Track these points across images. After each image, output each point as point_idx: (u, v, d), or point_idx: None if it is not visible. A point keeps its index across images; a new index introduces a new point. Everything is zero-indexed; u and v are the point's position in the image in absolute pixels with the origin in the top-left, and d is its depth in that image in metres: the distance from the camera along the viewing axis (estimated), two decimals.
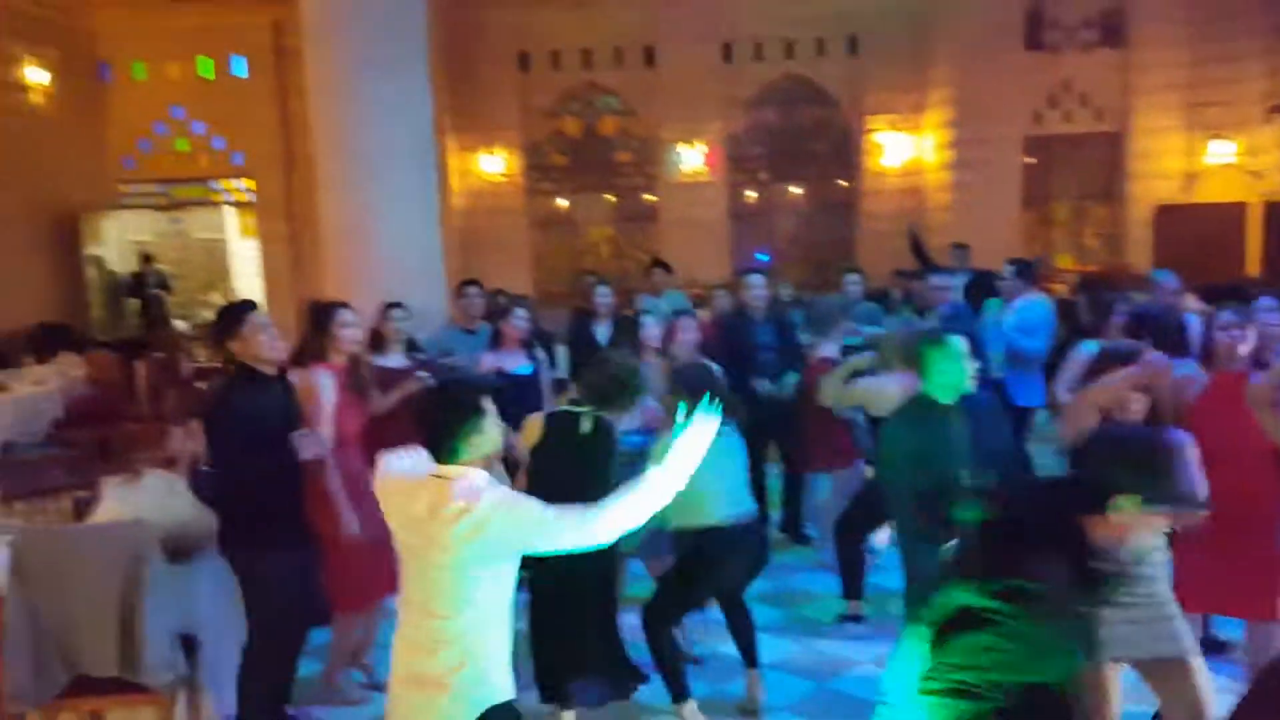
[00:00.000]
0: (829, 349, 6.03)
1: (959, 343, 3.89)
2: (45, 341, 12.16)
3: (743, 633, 4.47)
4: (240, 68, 15.35)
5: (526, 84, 16.01)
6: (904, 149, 15.98)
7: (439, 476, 2.73)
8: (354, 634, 4.65)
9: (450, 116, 15.24)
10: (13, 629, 3.63)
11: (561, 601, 3.93)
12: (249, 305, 4.10)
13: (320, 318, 4.50)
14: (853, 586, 5.32)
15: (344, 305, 4.61)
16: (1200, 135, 14.89)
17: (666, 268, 8.45)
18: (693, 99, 15.72)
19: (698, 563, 4.22)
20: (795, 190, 16.86)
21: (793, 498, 6.71)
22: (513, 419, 5.50)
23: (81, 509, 4.85)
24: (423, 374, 5.33)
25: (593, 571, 3.90)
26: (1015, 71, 14.68)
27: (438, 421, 2.74)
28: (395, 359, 5.45)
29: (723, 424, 4.24)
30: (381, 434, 4.80)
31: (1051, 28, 14.97)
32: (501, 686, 2.77)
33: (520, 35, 15.79)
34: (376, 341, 5.46)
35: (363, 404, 4.62)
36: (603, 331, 6.88)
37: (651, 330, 5.94)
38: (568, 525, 2.62)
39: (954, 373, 3.87)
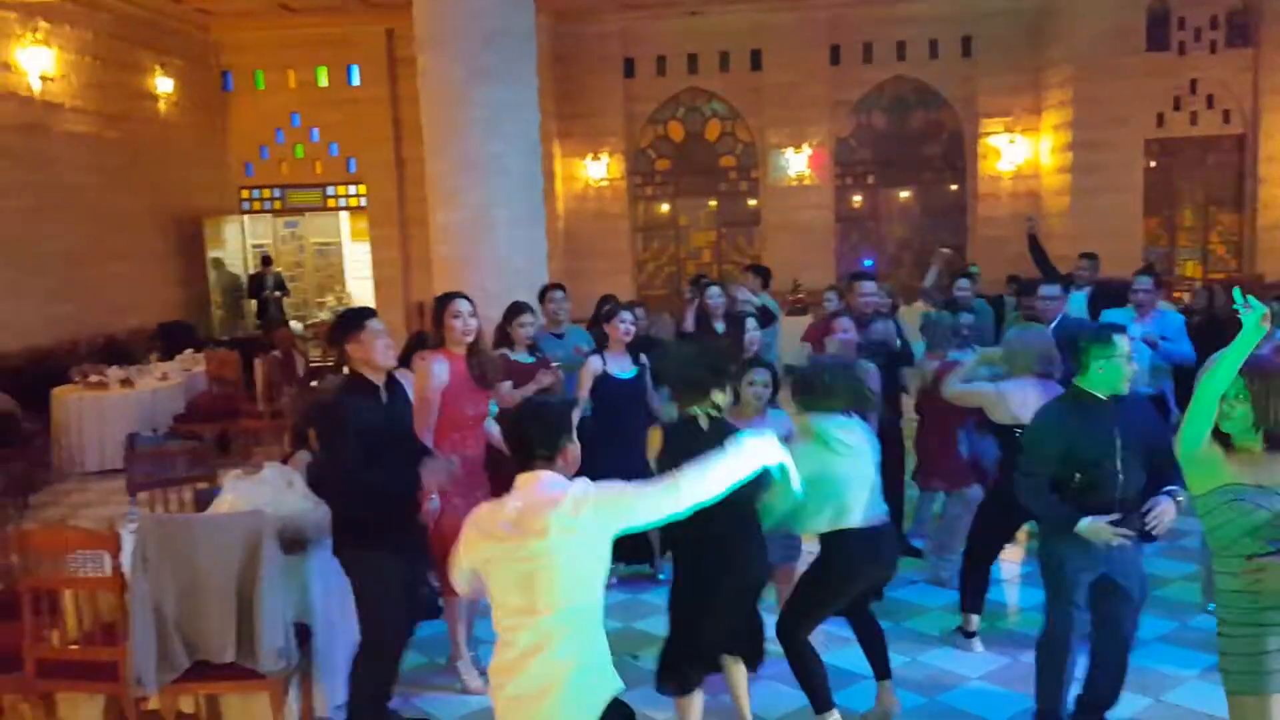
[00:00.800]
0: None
1: (1122, 341, 3.78)
2: (169, 340, 12.73)
3: (874, 642, 4.35)
4: (354, 76, 15.80)
5: (631, 89, 16.09)
6: (1019, 152, 15.55)
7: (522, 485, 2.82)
8: (463, 618, 4.75)
9: (556, 123, 15.42)
10: (136, 614, 3.76)
11: (720, 575, 3.86)
12: (368, 312, 4.24)
13: (437, 308, 4.65)
14: (974, 600, 5.16)
15: (460, 295, 4.72)
16: None
17: (762, 272, 8.30)
18: (799, 102, 15.59)
19: (835, 567, 4.12)
20: (904, 194, 16.55)
21: (895, 507, 6.54)
22: (618, 422, 5.58)
23: (202, 500, 5.02)
24: (553, 367, 5.51)
25: (746, 549, 3.88)
26: (1137, 73, 14.13)
27: (527, 432, 2.83)
28: (521, 357, 5.65)
29: (861, 422, 4.21)
30: None
31: (1176, 28, 14.35)
32: (614, 679, 2.79)
33: (626, 42, 15.88)
34: (503, 341, 5.65)
35: (482, 392, 4.70)
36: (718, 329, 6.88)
37: (753, 334, 5.87)
38: (650, 497, 2.67)
39: (1112, 370, 3.76)
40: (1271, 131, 14.35)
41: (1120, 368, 3.77)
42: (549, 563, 2.65)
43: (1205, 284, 12.48)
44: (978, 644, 5.10)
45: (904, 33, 15.56)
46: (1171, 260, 15.23)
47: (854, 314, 6.47)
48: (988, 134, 15.63)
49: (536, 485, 2.76)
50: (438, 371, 4.54)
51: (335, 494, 4.14)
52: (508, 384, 5.18)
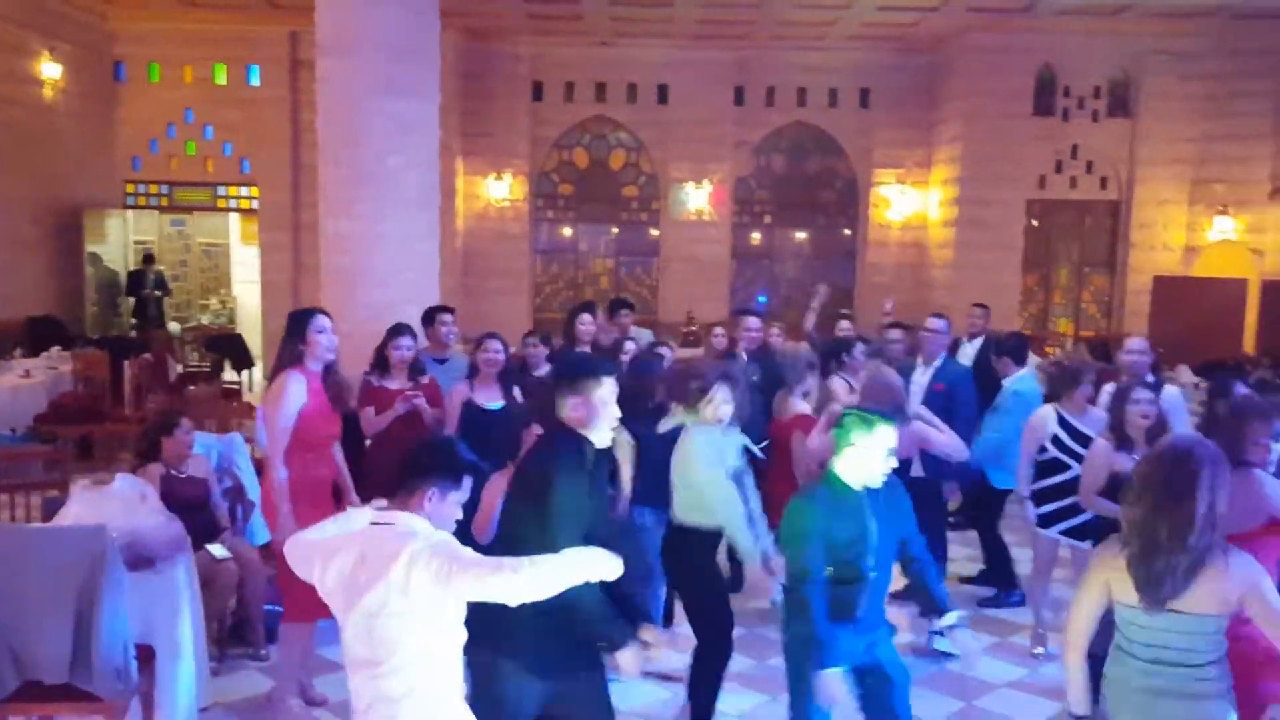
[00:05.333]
0: (801, 405, 5.81)
1: (881, 429, 3.40)
2: (36, 335, 12.14)
3: None
4: (254, 76, 15.43)
5: (538, 113, 16.11)
6: (909, 203, 16.07)
7: (378, 523, 2.62)
8: (300, 648, 4.54)
9: (460, 139, 15.32)
10: None
11: None
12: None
13: (297, 323, 4.47)
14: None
15: (321, 311, 4.57)
16: (1204, 210, 14.97)
17: (629, 306, 8.08)
18: (703, 139, 15.84)
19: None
20: (800, 235, 16.92)
21: None
22: (484, 457, 5.37)
23: (51, 508, 4.79)
24: (414, 397, 5.37)
25: None
26: (1023, 135, 14.77)
27: (416, 469, 2.66)
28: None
29: None
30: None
31: (1061, 95, 15.08)
32: None
33: (535, 65, 15.92)
34: (380, 363, 5.59)
35: (335, 413, 4.55)
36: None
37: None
38: (496, 577, 2.46)
39: (865, 459, 3.41)
40: (1144, 199, 15.15)
41: (872, 457, 3.40)
42: (388, 610, 2.50)
43: (1077, 340, 13.08)
44: None
45: (805, 80, 15.97)
46: (1046, 317, 15.93)
47: (735, 350, 6.57)
48: (880, 183, 16.13)
49: (391, 528, 2.59)
50: (294, 389, 4.34)
51: None
52: (370, 410, 5.09)
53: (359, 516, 2.72)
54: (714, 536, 4.28)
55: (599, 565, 2.55)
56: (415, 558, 2.47)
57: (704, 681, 4.27)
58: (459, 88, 14.98)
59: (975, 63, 14.61)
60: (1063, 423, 5.29)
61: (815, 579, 3.37)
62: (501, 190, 16.06)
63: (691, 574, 4.33)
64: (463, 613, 2.61)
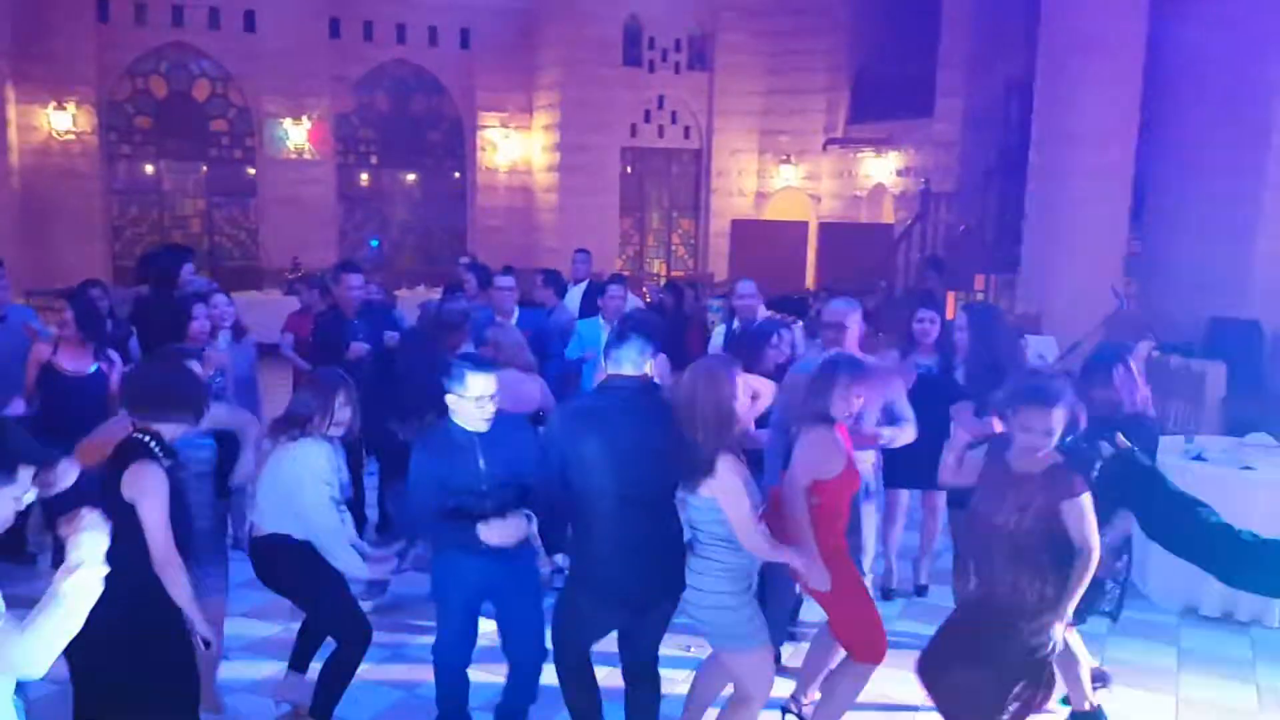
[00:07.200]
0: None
1: (472, 380, 3.62)
2: None
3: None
4: None
5: (106, 35, 14.41)
6: (514, 148, 16.41)
7: None
8: None
9: (9, 62, 13.36)
10: None
11: None
12: None
13: None
14: None
15: None
16: (771, 159, 16.77)
17: (188, 252, 7.29)
18: (298, 72, 15.04)
19: None
20: (409, 177, 16.71)
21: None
22: (70, 430, 4.26)
23: None
24: None
25: None
26: (615, 84, 15.59)
27: None
28: (81, 359, 4.92)
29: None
30: None
31: (647, 46, 16.09)
32: None
33: None
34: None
35: None
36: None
37: (202, 325, 5.20)
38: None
39: (463, 407, 3.66)
40: (721, 148, 16.65)
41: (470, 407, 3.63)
42: None
43: (670, 281, 14.18)
44: None
45: (404, 16, 15.66)
46: (642, 258, 17.12)
47: (338, 306, 6.33)
48: (485, 127, 16.31)
49: None
50: None
51: None
52: None
53: None
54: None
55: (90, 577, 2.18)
56: None
57: (339, 676, 3.96)
58: (7, 2, 13.01)
59: (569, 10, 15.12)
60: None
61: (431, 514, 3.69)
62: (64, 121, 14.25)
63: (304, 582, 3.97)
64: None
